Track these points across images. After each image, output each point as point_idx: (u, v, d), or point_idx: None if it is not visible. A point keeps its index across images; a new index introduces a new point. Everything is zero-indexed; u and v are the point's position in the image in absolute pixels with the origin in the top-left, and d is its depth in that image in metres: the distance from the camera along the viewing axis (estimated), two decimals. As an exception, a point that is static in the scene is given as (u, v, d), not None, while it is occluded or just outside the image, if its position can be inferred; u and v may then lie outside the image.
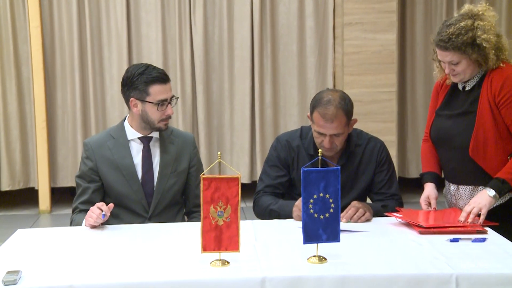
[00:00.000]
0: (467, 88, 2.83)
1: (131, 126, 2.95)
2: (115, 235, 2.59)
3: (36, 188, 6.15)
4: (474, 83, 2.81)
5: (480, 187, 2.79)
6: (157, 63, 6.13)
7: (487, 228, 2.57)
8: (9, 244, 2.50)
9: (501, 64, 2.76)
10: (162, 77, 2.87)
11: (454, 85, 2.90)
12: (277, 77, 6.28)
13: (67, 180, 6.25)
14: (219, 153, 2.22)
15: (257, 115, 6.25)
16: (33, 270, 2.12)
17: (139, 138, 2.95)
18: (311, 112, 2.93)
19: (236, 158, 6.32)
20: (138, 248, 2.41)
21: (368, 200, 3.12)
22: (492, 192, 2.67)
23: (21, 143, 6.15)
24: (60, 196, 6.56)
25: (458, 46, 2.69)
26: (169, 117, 2.91)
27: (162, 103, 2.86)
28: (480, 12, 2.72)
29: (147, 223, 2.88)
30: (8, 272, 2.05)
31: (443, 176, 3.01)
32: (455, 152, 2.85)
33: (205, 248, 2.15)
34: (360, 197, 3.05)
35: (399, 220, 2.71)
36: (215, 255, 2.17)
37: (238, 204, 2.15)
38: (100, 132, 3.08)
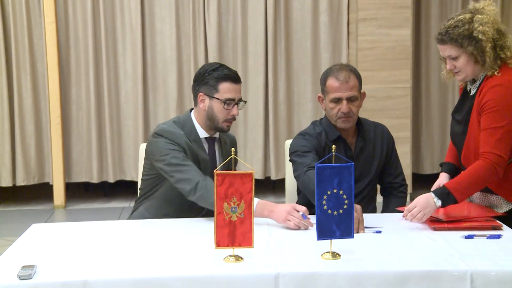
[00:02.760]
0: (472, 92, 2.80)
1: (199, 124, 2.93)
2: (129, 230, 2.60)
3: (50, 183, 6.19)
4: (476, 87, 2.77)
5: (488, 194, 2.78)
6: (171, 58, 6.15)
7: (503, 225, 2.55)
8: (24, 238, 2.52)
9: (496, 73, 2.68)
10: (234, 76, 2.87)
11: (465, 89, 2.88)
12: (291, 73, 6.28)
13: (82, 175, 6.28)
14: (232, 148, 2.22)
15: (270, 111, 6.25)
16: (48, 264, 2.14)
17: (205, 138, 2.95)
18: (324, 84, 2.98)
19: (250, 154, 6.33)
20: (152, 243, 2.41)
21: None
22: (439, 203, 2.61)
23: (36, 139, 6.19)
24: (75, 191, 6.60)
25: (454, 38, 2.68)
26: (234, 118, 2.90)
27: (229, 101, 2.85)
28: (481, 7, 2.71)
29: (198, 217, 2.84)
30: (24, 267, 2.06)
31: None
32: (459, 157, 2.88)
33: (218, 244, 2.16)
34: (374, 180, 3.12)
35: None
36: (228, 250, 2.17)
37: (251, 200, 2.15)
38: (159, 124, 2.96)
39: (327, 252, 2.19)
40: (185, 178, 2.76)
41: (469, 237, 2.42)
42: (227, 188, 2.13)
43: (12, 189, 6.35)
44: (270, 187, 6.53)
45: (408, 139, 5.99)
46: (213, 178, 2.80)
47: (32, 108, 6.13)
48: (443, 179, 2.92)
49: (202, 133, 2.94)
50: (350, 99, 2.93)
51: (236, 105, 2.88)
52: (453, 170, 2.95)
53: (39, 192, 6.49)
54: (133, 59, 6.16)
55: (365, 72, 5.97)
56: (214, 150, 2.98)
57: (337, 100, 2.94)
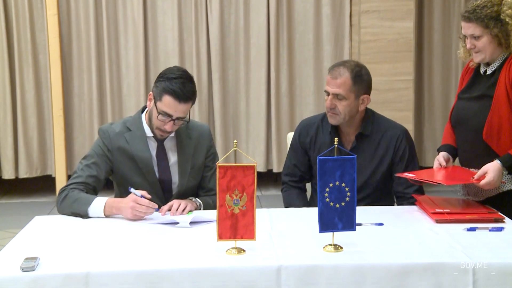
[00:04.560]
0: (488, 72, 2.81)
1: (147, 122, 2.92)
2: (131, 223, 2.60)
3: (53, 175, 6.20)
4: (495, 67, 2.78)
5: None
6: (173, 51, 6.14)
7: (506, 218, 2.55)
8: (27, 230, 2.52)
9: None
10: (179, 95, 2.75)
11: (477, 69, 2.88)
12: (293, 66, 6.27)
13: (84, 168, 6.27)
14: (235, 141, 2.21)
15: (273, 104, 6.24)
16: (50, 256, 2.14)
17: (153, 136, 2.91)
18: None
19: (252, 147, 6.33)
20: (154, 236, 2.42)
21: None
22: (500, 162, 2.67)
23: (39, 131, 6.20)
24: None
25: (481, 18, 2.68)
26: (167, 132, 2.84)
27: (164, 115, 2.78)
28: None
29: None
30: (26, 259, 2.06)
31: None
32: (469, 135, 2.84)
33: (221, 236, 2.16)
34: (378, 185, 3.05)
35: (414, 180, 2.77)
36: (230, 243, 2.17)
37: (254, 192, 2.15)
38: (114, 121, 3.03)
39: (329, 245, 2.19)
40: (72, 176, 2.89)
41: (472, 229, 2.42)
42: (229, 181, 2.13)
43: (14, 182, 6.36)
44: (272, 179, 6.53)
45: (410, 132, 5.93)
46: (155, 177, 2.89)
47: (34, 100, 6.13)
48: (441, 154, 2.92)
49: (149, 132, 2.91)
50: (337, 96, 2.93)
51: (172, 122, 2.80)
52: (451, 149, 2.95)
53: (42, 185, 6.49)
54: (135, 51, 6.15)
55: (368, 65, 5.82)
56: (163, 148, 2.93)
57: (327, 94, 2.97)
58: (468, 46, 2.77)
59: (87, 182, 2.83)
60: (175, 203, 2.76)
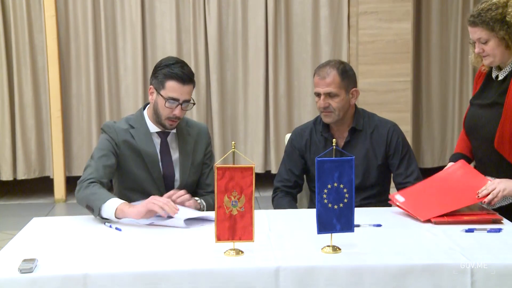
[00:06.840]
0: (500, 78, 2.79)
1: (150, 118, 2.95)
2: (130, 224, 2.60)
3: (51, 177, 6.20)
4: (507, 73, 2.75)
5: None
6: (171, 52, 6.14)
7: (504, 219, 2.55)
8: (25, 232, 2.52)
9: None
10: (182, 77, 2.83)
11: (489, 74, 2.86)
12: (291, 67, 6.27)
13: (82, 169, 6.18)
14: (233, 142, 2.22)
15: (271, 105, 6.25)
16: (48, 258, 2.14)
17: (157, 132, 2.94)
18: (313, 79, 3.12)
19: (250, 148, 6.33)
20: (152, 237, 2.41)
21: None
22: None
23: (37, 133, 6.20)
24: (75, 185, 6.57)
25: (486, 21, 2.66)
26: (177, 117, 2.86)
27: (171, 101, 2.82)
28: None
29: None
30: (24, 260, 2.06)
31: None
32: (481, 143, 2.82)
33: (219, 238, 2.16)
34: (376, 182, 3.09)
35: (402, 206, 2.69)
36: (229, 244, 2.17)
37: (252, 193, 2.15)
38: (116, 120, 3.06)
39: (328, 246, 2.19)
40: (85, 171, 2.92)
41: (470, 231, 2.42)
42: (227, 182, 2.13)
43: (12, 183, 6.36)
44: (271, 181, 6.51)
45: (408, 133, 5.99)
46: (159, 172, 2.90)
47: (32, 102, 6.13)
48: (449, 165, 2.89)
49: (153, 128, 2.94)
50: (329, 95, 3.01)
51: (179, 106, 2.83)
52: (462, 158, 2.91)
53: (40, 186, 6.49)
54: (133, 53, 6.16)
55: (366, 66, 5.99)
56: (167, 144, 2.96)
57: (318, 95, 3.05)
58: (476, 50, 2.75)
59: (104, 172, 2.86)
60: (172, 191, 2.78)
